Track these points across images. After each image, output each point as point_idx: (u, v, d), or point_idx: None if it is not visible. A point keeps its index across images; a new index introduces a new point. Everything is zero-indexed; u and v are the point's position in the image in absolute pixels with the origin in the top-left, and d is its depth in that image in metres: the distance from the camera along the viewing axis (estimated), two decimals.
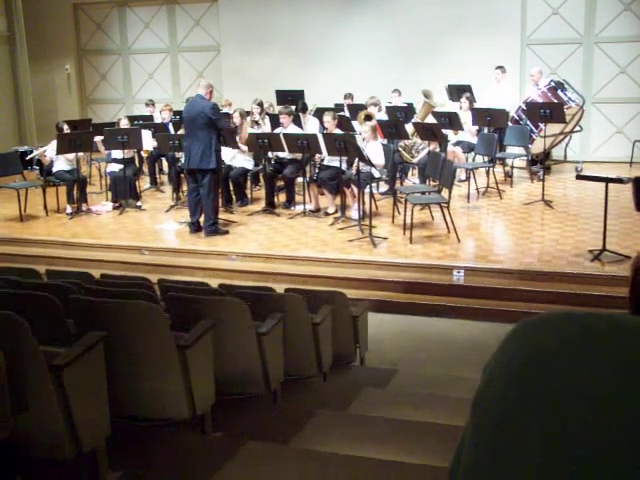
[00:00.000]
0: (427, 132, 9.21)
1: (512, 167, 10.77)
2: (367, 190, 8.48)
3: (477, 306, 6.69)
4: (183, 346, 3.31)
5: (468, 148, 10.42)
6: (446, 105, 11.04)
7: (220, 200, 9.28)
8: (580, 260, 7.05)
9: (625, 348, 0.65)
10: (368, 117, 9.85)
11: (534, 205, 9.17)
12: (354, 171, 8.51)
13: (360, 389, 4.61)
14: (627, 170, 10.93)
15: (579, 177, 7.66)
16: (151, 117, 12.07)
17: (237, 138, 9.55)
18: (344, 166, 8.91)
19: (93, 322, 3.31)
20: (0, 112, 13.91)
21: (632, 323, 0.68)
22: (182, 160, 8.97)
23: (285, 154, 9.37)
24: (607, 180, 6.95)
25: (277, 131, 9.59)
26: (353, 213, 8.81)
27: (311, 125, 10.58)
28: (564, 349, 0.67)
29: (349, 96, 11.75)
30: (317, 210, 9.38)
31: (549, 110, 9.33)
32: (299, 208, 9.41)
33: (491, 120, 10.05)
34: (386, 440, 3.52)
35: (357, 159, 8.27)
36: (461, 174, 10.36)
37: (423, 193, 8.69)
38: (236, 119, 9.77)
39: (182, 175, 9.57)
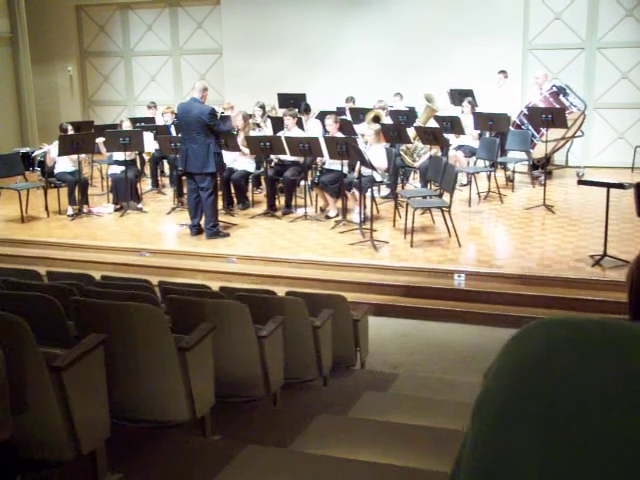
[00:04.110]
0: (429, 136, 9.21)
1: (513, 172, 10.77)
2: (368, 194, 8.49)
3: (478, 310, 6.68)
4: (183, 348, 3.31)
5: (470, 152, 10.43)
6: (448, 109, 11.05)
7: (221, 203, 9.28)
8: (581, 265, 7.05)
9: (623, 354, 0.66)
10: (376, 118, 9.86)
11: (535, 210, 9.17)
12: (355, 175, 8.52)
13: (360, 393, 4.61)
14: (629, 175, 10.92)
15: (580, 182, 7.65)
16: (153, 119, 12.09)
17: (238, 140, 9.56)
18: (345, 170, 8.91)
19: (93, 324, 3.31)
20: (2, 113, 13.93)
21: (630, 329, 0.68)
22: (177, 162, 8.96)
23: (287, 157, 9.38)
24: (608, 185, 6.95)
25: (279, 134, 9.60)
26: (354, 217, 8.81)
27: (313, 127, 10.59)
28: (563, 356, 0.67)
29: (351, 99, 11.75)
30: (322, 210, 9.44)
31: (551, 115, 9.33)
32: (300, 211, 9.42)
33: (493, 124, 10.06)
34: (386, 444, 3.51)
35: (359, 163, 8.28)
36: (462, 178, 10.36)
37: (424, 197, 8.68)
38: (239, 122, 9.77)
39: (183, 178, 9.59)
